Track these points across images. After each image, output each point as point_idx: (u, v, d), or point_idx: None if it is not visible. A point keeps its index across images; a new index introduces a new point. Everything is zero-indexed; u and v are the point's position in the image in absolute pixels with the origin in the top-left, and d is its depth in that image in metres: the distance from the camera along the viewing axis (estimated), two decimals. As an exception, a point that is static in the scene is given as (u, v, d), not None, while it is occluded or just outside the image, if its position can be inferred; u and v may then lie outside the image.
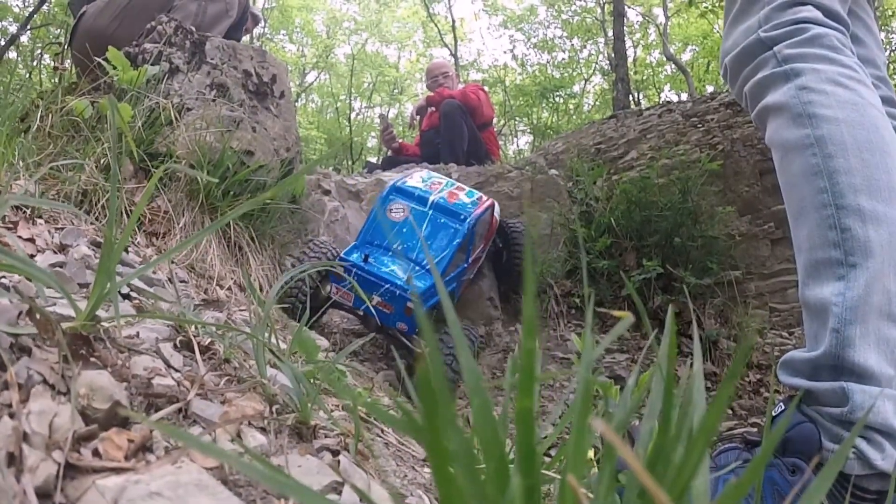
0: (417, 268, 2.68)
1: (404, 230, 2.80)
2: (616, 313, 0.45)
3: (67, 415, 0.53)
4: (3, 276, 0.88)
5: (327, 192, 3.89)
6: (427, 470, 0.91)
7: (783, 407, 1.47)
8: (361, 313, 2.74)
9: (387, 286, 2.55)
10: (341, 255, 2.68)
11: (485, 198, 3.14)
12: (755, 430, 2.92)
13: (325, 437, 0.80)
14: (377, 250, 2.71)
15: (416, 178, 3.12)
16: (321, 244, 2.76)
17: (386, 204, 2.91)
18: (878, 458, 1.27)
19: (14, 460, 0.46)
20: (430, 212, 2.88)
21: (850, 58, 1.59)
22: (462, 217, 2.86)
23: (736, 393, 3.40)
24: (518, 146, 20.25)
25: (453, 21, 22.63)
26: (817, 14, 1.62)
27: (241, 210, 0.81)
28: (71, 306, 0.66)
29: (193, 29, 3.10)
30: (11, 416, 0.50)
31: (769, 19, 1.65)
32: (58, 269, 1.08)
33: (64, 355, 0.60)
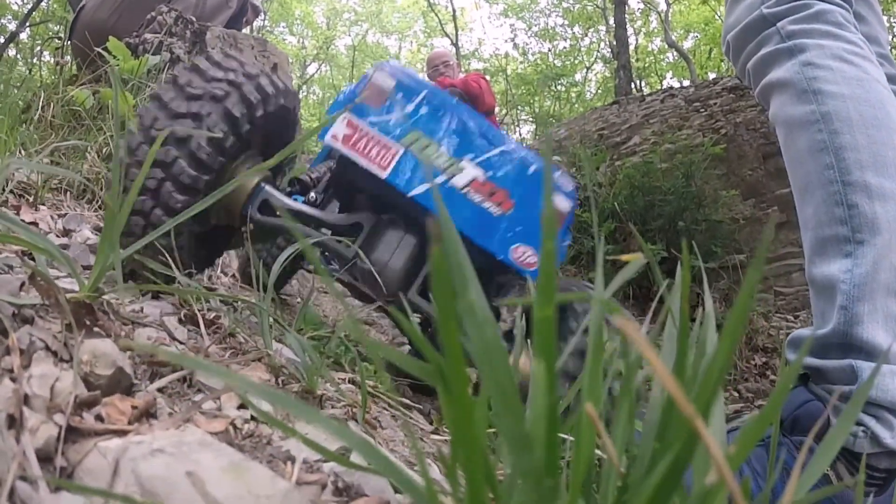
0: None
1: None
2: (626, 257, 0.45)
3: (69, 380, 0.53)
4: (5, 254, 0.88)
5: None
6: (435, 437, 0.91)
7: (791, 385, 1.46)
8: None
9: (507, 147, 1.33)
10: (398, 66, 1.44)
11: None
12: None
13: (332, 406, 0.80)
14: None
15: None
16: (231, 60, 1.38)
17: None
18: (888, 436, 1.27)
19: (14, 423, 0.46)
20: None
21: (855, 34, 1.58)
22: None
23: (742, 376, 3.41)
24: (520, 135, 20.25)
25: (454, 10, 22.61)
26: None
27: (233, 184, 0.81)
28: (76, 282, 0.66)
29: (194, 19, 3.09)
30: (13, 379, 0.50)
31: None
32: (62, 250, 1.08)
33: (67, 324, 0.60)
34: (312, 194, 1.44)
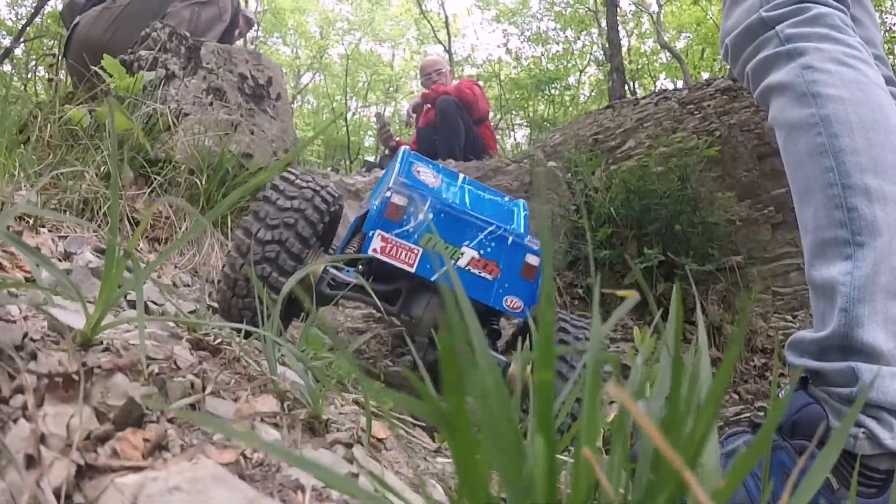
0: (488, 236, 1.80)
1: (444, 195, 2.09)
2: (620, 292, 0.46)
3: (83, 416, 0.54)
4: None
5: (327, 192, 3.88)
6: (439, 459, 0.92)
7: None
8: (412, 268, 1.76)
9: (492, 228, 1.77)
10: (393, 187, 1.80)
11: None
12: (762, 413, 2.92)
13: (337, 430, 0.81)
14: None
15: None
16: (303, 179, 1.82)
17: (410, 166, 2.18)
18: (888, 437, 1.28)
19: (32, 462, 0.47)
20: (466, 186, 2.27)
21: (853, 37, 1.58)
22: (505, 196, 2.33)
23: (741, 377, 3.41)
24: (515, 140, 20.26)
25: (446, 17, 22.62)
26: None
27: (232, 199, 0.82)
28: (83, 312, 0.67)
29: (188, 34, 3.10)
30: (28, 418, 0.51)
31: None
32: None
33: (78, 361, 0.61)
34: (360, 267, 1.88)
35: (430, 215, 1.74)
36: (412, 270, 1.71)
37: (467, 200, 2.17)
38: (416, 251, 1.71)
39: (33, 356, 0.59)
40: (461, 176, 2.35)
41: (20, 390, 0.53)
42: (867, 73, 1.53)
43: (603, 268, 3.85)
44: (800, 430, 1.38)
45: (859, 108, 1.46)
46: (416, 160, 2.25)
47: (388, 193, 1.73)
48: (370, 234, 1.71)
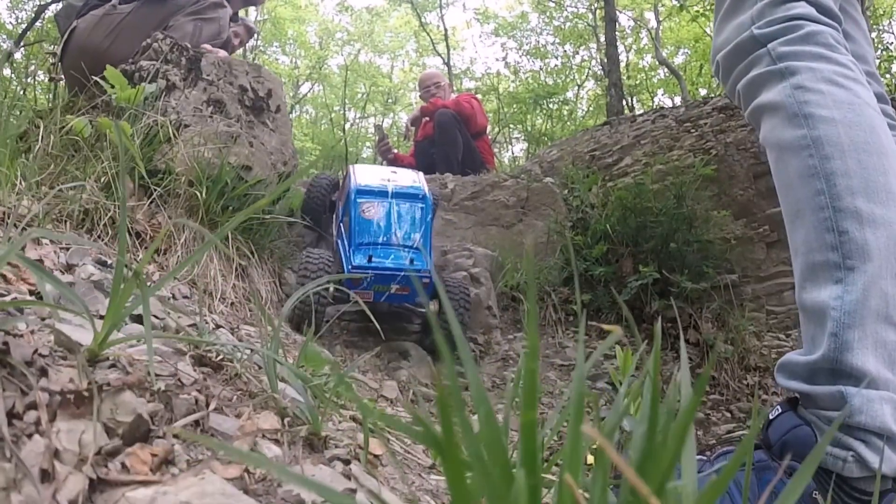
0: (406, 249, 3.10)
1: (382, 224, 3.15)
2: (606, 327, 0.48)
3: (94, 431, 0.56)
4: (14, 295, 0.91)
5: (324, 205, 3.91)
6: (433, 477, 0.94)
7: (780, 410, 1.48)
8: (370, 300, 3.07)
9: (402, 274, 2.95)
10: (353, 263, 2.97)
11: (420, 173, 3.62)
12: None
13: (336, 447, 0.83)
14: (374, 248, 3.07)
15: (364, 175, 3.39)
16: (318, 258, 3.00)
17: (357, 208, 3.17)
18: (877, 460, 1.29)
19: (47, 476, 0.49)
20: (393, 200, 3.24)
21: (845, 55, 1.57)
22: (420, 196, 3.30)
23: (734, 396, 3.42)
24: (513, 153, 20.26)
25: (445, 30, 22.70)
26: (811, 10, 1.59)
27: (237, 220, 0.84)
28: (89, 326, 0.69)
29: (189, 46, 3.11)
30: (42, 434, 0.52)
31: (762, 15, 1.62)
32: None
33: (88, 377, 0.62)
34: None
35: (373, 276, 2.90)
36: (371, 301, 2.97)
37: (395, 215, 3.18)
38: (370, 294, 2.95)
39: (43, 372, 0.61)
40: (389, 191, 3.24)
41: (33, 406, 0.55)
42: (860, 93, 1.52)
43: (598, 285, 3.86)
44: (789, 451, 1.40)
45: (851, 130, 1.46)
46: (362, 197, 3.22)
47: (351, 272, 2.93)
48: (350, 292, 2.61)
